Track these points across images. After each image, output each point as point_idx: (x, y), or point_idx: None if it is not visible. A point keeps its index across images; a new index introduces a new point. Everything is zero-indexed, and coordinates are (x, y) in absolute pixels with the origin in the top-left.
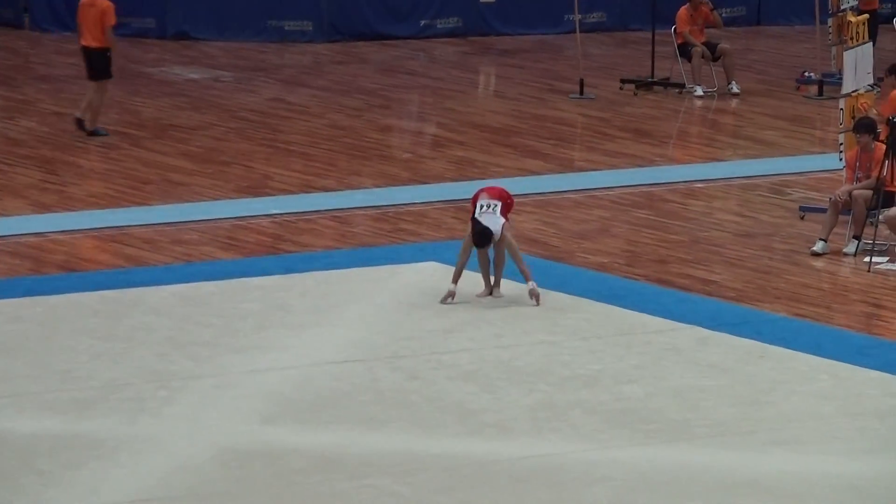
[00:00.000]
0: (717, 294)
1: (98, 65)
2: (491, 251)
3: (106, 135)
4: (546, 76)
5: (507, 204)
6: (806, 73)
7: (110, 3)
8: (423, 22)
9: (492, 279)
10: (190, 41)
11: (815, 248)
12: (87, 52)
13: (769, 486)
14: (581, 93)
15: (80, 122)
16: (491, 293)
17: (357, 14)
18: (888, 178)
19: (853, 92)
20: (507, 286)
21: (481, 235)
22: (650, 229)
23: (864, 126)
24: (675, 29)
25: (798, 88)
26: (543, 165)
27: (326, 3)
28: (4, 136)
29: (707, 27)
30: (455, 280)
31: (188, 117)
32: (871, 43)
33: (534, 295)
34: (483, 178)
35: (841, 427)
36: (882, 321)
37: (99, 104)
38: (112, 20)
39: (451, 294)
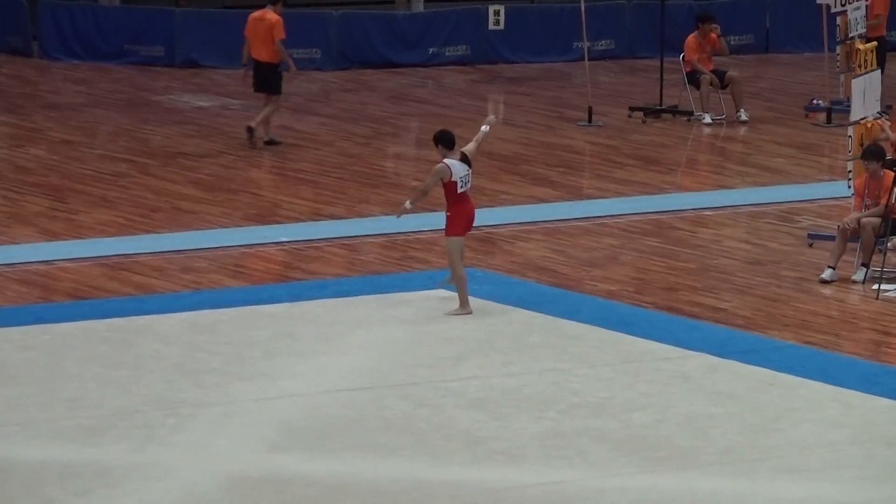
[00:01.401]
0: (725, 322)
1: (269, 78)
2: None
3: (280, 143)
4: (555, 104)
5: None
6: (814, 101)
7: (279, 18)
8: (431, 50)
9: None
10: (198, 69)
11: (823, 276)
12: (258, 66)
13: None
14: (590, 120)
15: (250, 131)
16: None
17: (366, 42)
18: None
19: (862, 119)
20: (512, 313)
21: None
22: (659, 257)
23: (872, 153)
24: (683, 57)
25: (807, 116)
26: (552, 193)
27: (335, 31)
28: (13, 164)
29: (715, 55)
30: (412, 200)
31: (197, 145)
32: (880, 70)
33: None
34: (492, 206)
35: (850, 454)
36: (891, 349)
37: (269, 118)
38: (281, 34)
39: (405, 210)
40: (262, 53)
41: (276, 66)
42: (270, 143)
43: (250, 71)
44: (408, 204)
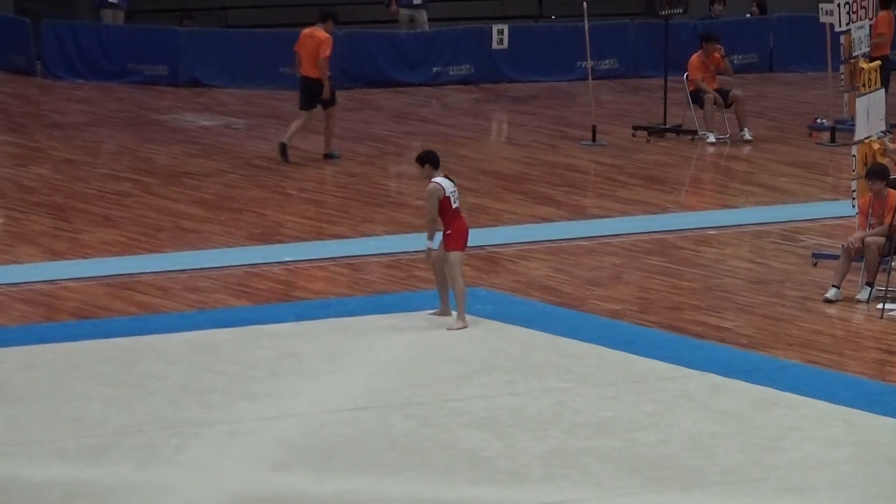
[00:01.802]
0: (729, 341)
1: (317, 94)
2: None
3: (339, 157)
4: (558, 123)
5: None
6: (818, 120)
7: (329, 36)
8: (435, 69)
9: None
10: (202, 88)
11: (827, 295)
12: (305, 82)
13: None
14: (593, 139)
15: (283, 147)
16: (446, 314)
17: (369, 61)
18: None
19: (866, 138)
20: (516, 332)
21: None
22: (663, 276)
23: (876, 173)
24: (687, 76)
25: (810, 135)
26: (555, 212)
27: (339, 50)
28: (17, 183)
29: (718, 74)
30: (431, 237)
31: (200, 164)
32: (884, 89)
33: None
34: (496, 225)
35: (853, 474)
36: (895, 368)
37: (331, 131)
38: (327, 52)
39: (432, 250)
40: (310, 70)
41: (319, 81)
42: (329, 156)
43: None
44: (430, 244)
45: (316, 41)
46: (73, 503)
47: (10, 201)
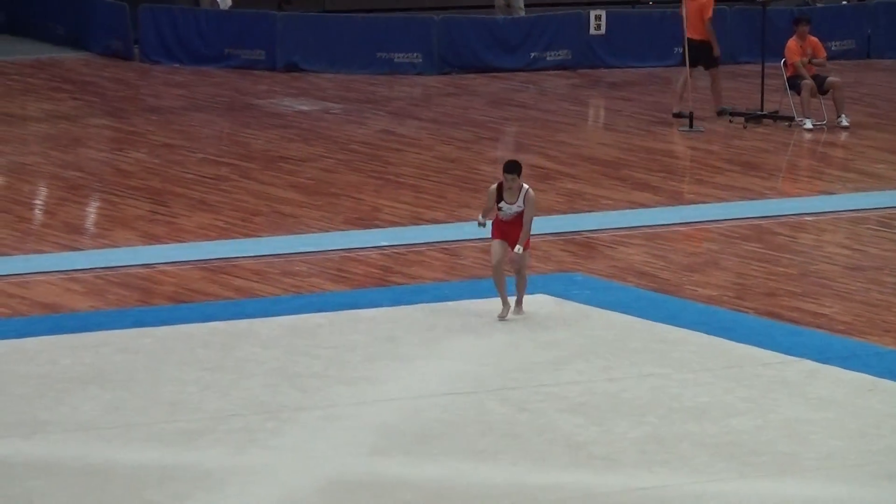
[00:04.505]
0: (826, 327)
1: (701, 55)
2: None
3: (731, 111)
4: (655, 109)
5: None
6: None
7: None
8: (532, 54)
9: (512, 300)
10: (299, 73)
11: None
12: (690, 43)
13: None
14: (690, 126)
15: (678, 116)
16: (509, 312)
17: (467, 47)
18: None
19: None
20: (613, 318)
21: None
22: (759, 262)
23: None
24: (784, 62)
25: None
26: (653, 198)
27: (436, 36)
28: (114, 167)
29: (813, 62)
30: (484, 215)
31: (297, 149)
32: None
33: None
34: (593, 211)
35: None
36: None
37: (718, 89)
38: (709, 13)
39: (482, 224)
40: (694, 32)
41: (707, 43)
42: (721, 113)
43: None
44: (519, 248)
45: (698, 4)
46: (168, 486)
47: (108, 185)
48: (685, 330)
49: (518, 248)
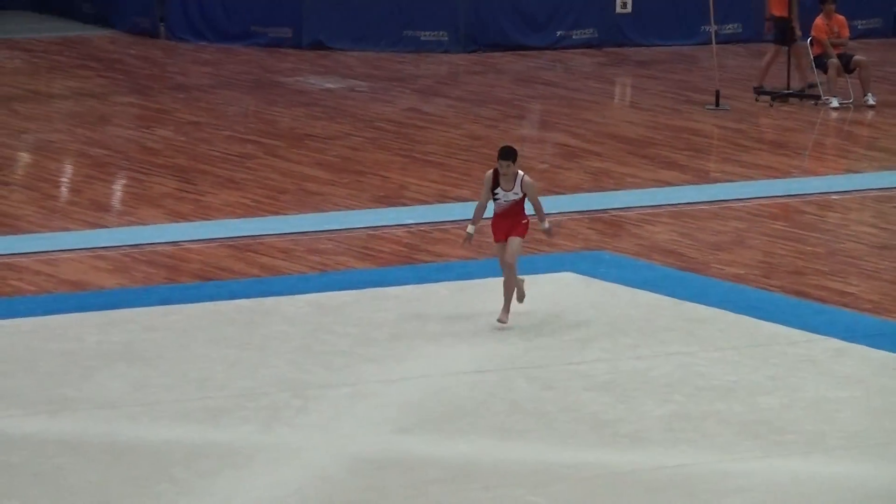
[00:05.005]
0: (853, 306)
1: (781, 31)
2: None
3: (814, 86)
4: (681, 87)
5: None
6: None
7: None
8: (559, 33)
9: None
10: (326, 51)
11: None
12: (773, 20)
13: None
14: (717, 104)
15: (757, 90)
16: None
17: (493, 24)
18: None
19: None
20: (639, 296)
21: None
22: (786, 241)
23: None
24: (811, 40)
25: None
26: (679, 176)
27: (463, 14)
28: (141, 145)
29: (837, 41)
30: (474, 223)
31: (324, 127)
32: None
33: (551, 233)
34: (618, 189)
35: None
36: None
37: (805, 64)
38: None
39: (469, 237)
40: (777, 8)
41: (786, 20)
42: (811, 85)
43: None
44: (546, 224)
45: None
46: (196, 464)
47: (135, 163)
48: (712, 308)
49: (544, 226)
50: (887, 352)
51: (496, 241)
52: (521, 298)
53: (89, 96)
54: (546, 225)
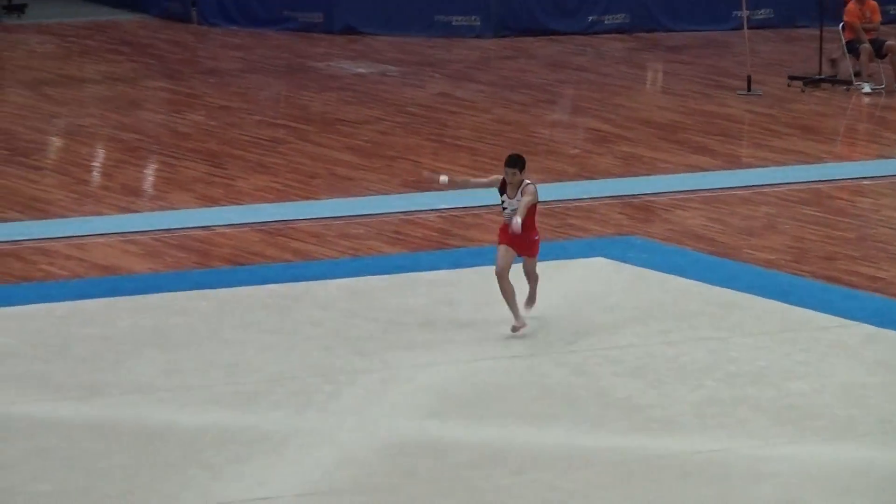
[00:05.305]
0: (884, 291)
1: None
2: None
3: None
4: (713, 72)
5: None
6: None
7: None
8: (590, 18)
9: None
10: (357, 36)
11: None
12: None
13: None
14: (748, 89)
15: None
16: (523, 324)
17: (525, 10)
18: None
19: None
20: (670, 281)
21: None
22: (817, 226)
23: None
24: (843, 25)
25: None
26: (710, 161)
27: None
28: (172, 129)
29: (867, 27)
30: (452, 177)
31: (355, 112)
32: None
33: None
34: (650, 174)
35: None
36: None
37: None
38: None
39: (439, 181)
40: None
41: None
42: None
43: None
44: (517, 219)
45: None
46: (226, 448)
47: (166, 147)
48: (743, 293)
49: (515, 222)
50: None
51: (500, 242)
52: (518, 327)
53: (120, 81)
54: (517, 219)
